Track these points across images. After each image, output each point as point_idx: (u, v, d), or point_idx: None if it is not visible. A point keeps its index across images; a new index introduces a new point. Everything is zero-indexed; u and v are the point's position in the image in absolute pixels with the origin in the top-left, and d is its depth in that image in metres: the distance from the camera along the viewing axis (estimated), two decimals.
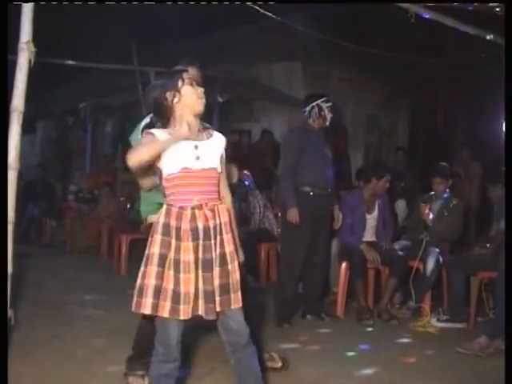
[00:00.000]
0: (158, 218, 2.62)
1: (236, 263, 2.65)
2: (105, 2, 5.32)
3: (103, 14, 8.56)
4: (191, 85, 2.67)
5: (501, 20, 4.31)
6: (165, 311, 2.56)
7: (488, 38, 5.29)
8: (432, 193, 5.84)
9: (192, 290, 2.53)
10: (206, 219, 2.57)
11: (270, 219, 6.95)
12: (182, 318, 2.55)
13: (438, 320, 5.27)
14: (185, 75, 2.69)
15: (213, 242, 2.57)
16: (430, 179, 5.85)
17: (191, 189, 2.60)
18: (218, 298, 2.57)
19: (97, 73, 11.12)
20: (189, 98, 2.65)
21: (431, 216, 5.67)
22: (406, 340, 4.86)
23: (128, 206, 9.78)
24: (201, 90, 2.68)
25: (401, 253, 5.59)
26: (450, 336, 4.94)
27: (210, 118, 10.91)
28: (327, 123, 5.26)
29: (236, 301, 2.62)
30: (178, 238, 2.55)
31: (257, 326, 4.20)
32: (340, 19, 8.23)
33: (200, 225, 2.56)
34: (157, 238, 2.58)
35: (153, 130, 2.65)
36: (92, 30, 10.27)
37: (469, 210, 7.21)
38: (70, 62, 9.14)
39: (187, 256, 2.53)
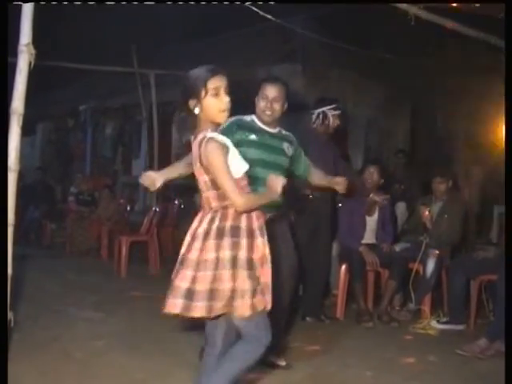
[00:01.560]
0: (227, 222, 2.59)
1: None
2: (105, 1, 5.32)
3: (103, 16, 8.56)
4: (216, 95, 2.58)
5: (501, 21, 4.32)
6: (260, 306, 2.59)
7: (488, 39, 5.29)
8: (432, 195, 5.84)
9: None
10: (258, 218, 2.65)
11: None
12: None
13: (438, 322, 5.27)
14: (210, 84, 2.58)
15: (262, 239, 2.65)
16: (431, 181, 5.85)
17: (248, 188, 2.66)
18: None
19: (97, 75, 11.12)
20: (210, 111, 2.59)
21: (431, 218, 5.67)
22: (405, 342, 4.86)
23: (128, 208, 9.80)
24: (226, 100, 2.59)
25: (400, 254, 5.59)
26: (449, 338, 4.94)
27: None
28: (331, 130, 5.26)
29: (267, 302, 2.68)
30: (246, 236, 2.60)
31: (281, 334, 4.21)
32: (340, 21, 8.22)
33: (254, 224, 2.63)
34: (226, 241, 2.56)
35: (217, 137, 2.58)
36: (92, 32, 10.27)
37: (469, 213, 7.20)
38: (70, 65, 9.16)
39: (250, 253, 2.59)
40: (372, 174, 5.70)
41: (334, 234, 5.66)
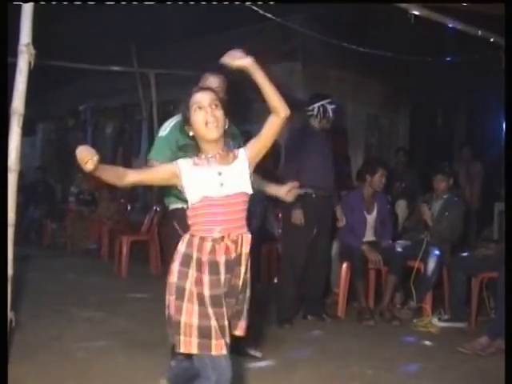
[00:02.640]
0: (179, 247, 2.49)
1: (248, 294, 2.56)
2: (105, 1, 5.32)
3: (103, 16, 8.56)
4: (199, 109, 2.49)
5: (501, 20, 4.31)
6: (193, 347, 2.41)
7: (488, 37, 5.29)
8: (432, 193, 5.84)
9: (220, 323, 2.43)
10: (228, 251, 2.44)
11: (271, 220, 6.95)
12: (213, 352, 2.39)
13: (439, 320, 5.27)
14: (192, 101, 2.51)
15: (229, 275, 2.46)
16: (431, 179, 5.85)
17: (214, 218, 2.45)
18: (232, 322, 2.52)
19: (97, 75, 11.11)
20: (196, 127, 2.50)
21: (432, 216, 5.67)
22: (407, 340, 4.86)
23: (128, 207, 9.80)
24: (212, 112, 2.48)
25: (399, 250, 5.59)
26: (450, 336, 4.95)
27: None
28: (327, 124, 5.26)
29: (240, 329, 2.56)
30: (199, 270, 2.43)
31: (258, 327, 4.23)
32: (339, 20, 8.21)
33: (220, 258, 2.44)
34: (175, 268, 2.47)
35: (178, 161, 2.52)
36: (92, 31, 10.26)
37: (469, 210, 7.20)
38: (70, 64, 9.15)
39: (207, 291, 2.42)
40: (384, 177, 5.71)
41: (334, 233, 5.66)
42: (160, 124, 9.94)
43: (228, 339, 2.44)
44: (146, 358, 4.02)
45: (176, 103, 10.23)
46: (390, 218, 6.00)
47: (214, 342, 2.39)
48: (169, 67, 9.46)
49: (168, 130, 3.72)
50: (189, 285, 2.42)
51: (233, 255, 2.45)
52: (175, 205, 3.68)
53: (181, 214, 3.50)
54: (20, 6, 3.26)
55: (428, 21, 5.04)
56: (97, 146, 13.19)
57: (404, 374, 3.96)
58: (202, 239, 2.44)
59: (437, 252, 5.50)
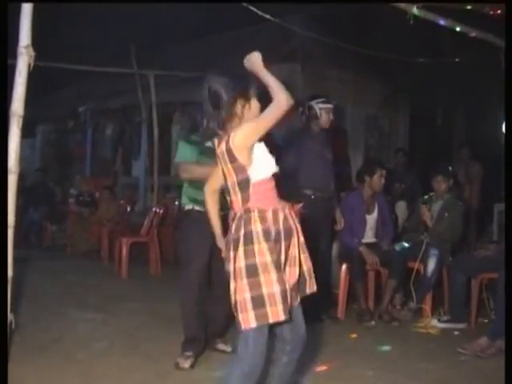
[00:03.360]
0: (253, 226, 2.58)
1: (307, 252, 2.77)
2: (105, 1, 5.33)
3: (102, 18, 8.57)
4: (259, 99, 2.72)
5: (500, 21, 4.32)
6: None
7: (487, 38, 5.30)
8: (432, 193, 5.84)
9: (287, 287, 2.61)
10: (288, 220, 2.66)
11: None
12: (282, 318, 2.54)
13: (439, 321, 5.27)
14: (253, 88, 2.73)
15: (295, 240, 2.68)
16: (431, 180, 5.85)
17: (273, 193, 2.69)
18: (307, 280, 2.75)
19: (96, 76, 11.13)
20: (254, 112, 2.70)
21: (431, 217, 5.68)
22: (406, 341, 4.86)
23: (128, 209, 9.79)
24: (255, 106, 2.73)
25: (399, 253, 5.59)
26: (450, 337, 4.95)
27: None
28: (323, 124, 5.23)
29: (312, 286, 2.80)
30: (269, 240, 2.57)
31: None
32: (339, 20, 8.23)
33: (288, 224, 2.65)
34: (263, 247, 2.55)
35: None
36: (91, 33, 10.28)
37: (469, 211, 7.20)
38: (70, 66, 9.16)
39: (295, 251, 2.66)
40: (382, 178, 5.71)
41: (334, 234, 5.66)
42: (160, 125, 10.01)
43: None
44: (147, 359, 4.02)
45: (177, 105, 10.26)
46: (390, 219, 6.00)
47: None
48: (168, 69, 9.48)
49: (191, 135, 4.02)
50: (259, 259, 2.53)
51: (291, 222, 2.68)
52: (189, 206, 3.94)
53: (194, 215, 3.85)
54: (20, 7, 3.26)
55: (427, 21, 5.05)
56: (96, 148, 13.32)
57: (404, 375, 3.96)
58: (275, 212, 2.62)
59: (436, 253, 5.50)
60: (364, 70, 9.01)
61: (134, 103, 10.36)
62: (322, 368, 4.02)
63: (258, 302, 2.50)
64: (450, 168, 6.15)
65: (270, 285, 2.51)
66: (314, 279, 2.80)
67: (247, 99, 2.69)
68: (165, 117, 10.49)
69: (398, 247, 5.73)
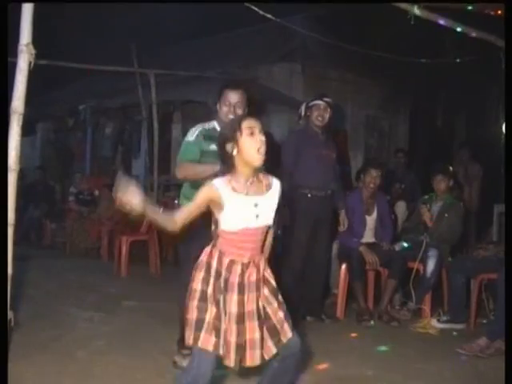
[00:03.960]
0: (205, 258, 2.63)
1: (276, 303, 2.67)
2: (105, 1, 5.33)
3: (103, 16, 8.58)
4: (251, 135, 2.58)
5: (501, 21, 4.32)
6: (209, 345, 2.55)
7: (488, 38, 5.29)
8: (432, 194, 5.84)
9: (236, 340, 2.55)
10: (251, 274, 2.61)
11: None
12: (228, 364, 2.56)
13: (438, 321, 5.27)
14: (245, 124, 2.59)
15: (256, 293, 2.61)
16: (431, 180, 5.85)
17: (245, 245, 2.61)
18: (269, 343, 2.61)
19: (97, 75, 11.14)
20: (247, 152, 2.57)
21: (431, 217, 5.67)
22: (406, 341, 4.86)
23: None
24: (261, 139, 2.58)
25: (400, 253, 5.59)
26: (450, 337, 4.95)
27: (210, 119, 10.93)
28: (314, 121, 5.22)
29: (286, 333, 2.65)
30: (226, 288, 2.57)
31: None
32: (339, 20, 8.24)
33: (246, 280, 2.59)
34: (200, 276, 2.61)
35: (215, 183, 2.58)
36: (92, 31, 10.28)
37: (469, 211, 7.21)
38: (70, 64, 9.16)
39: (234, 308, 2.56)
40: (375, 179, 5.70)
41: (334, 234, 5.66)
42: (160, 124, 10.00)
43: (256, 353, 2.56)
44: (146, 358, 4.02)
45: (176, 104, 10.25)
46: (390, 220, 5.99)
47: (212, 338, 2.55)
48: (168, 67, 9.47)
49: (194, 135, 3.91)
50: (210, 290, 2.58)
51: (256, 277, 2.61)
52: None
53: None
54: (20, 6, 3.25)
55: (428, 22, 5.05)
56: (96, 146, 13.31)
57: (403, 375, 3.96)
58: (232, 262, 2.59)
59: (436, 253, 5.50)
60: (364, 70, 9.01)
61: (134, 102, 10.35)
62: (321, 367, 4.02)
63: (198, 326, 2.56)
64: (450, 168, 6.14)
65: (210, 314, 2.56)
66: (288, 327, 2.66)
67: (235, 140, 2.59)
68: (165, 115, 10.49)
69: (397, 247, 5.74)
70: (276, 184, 2.68)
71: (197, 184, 3.74)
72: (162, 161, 9.67)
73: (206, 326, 2.55)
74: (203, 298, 2.57)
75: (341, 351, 4.44)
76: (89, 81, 12.26)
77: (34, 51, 3.28)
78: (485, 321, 5.27)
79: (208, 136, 3.82)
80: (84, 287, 6.47)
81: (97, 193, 9.93)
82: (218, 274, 2.58)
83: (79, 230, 9.26)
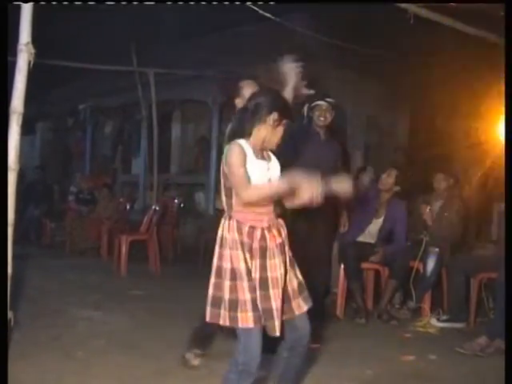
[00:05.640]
0: (227, 233, 2.62)
1: (297, 269, 2.76)
2: (105, 1, 5.32)
3: (102, 15, 8.56)
4: (280, 126, 2.69)
5: (501, 20, 4.31)
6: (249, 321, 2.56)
7: (488, 37, 5.30)
8: (432, 193, 5.84)
9: (271, 305, 2.57)
10: (274, 239, 2.64)
11: None
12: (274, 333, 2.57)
13: (438, 320, 5.27)
14: (274, 115, 2.66)
15: (280, 259, 2.64)
16: (430, 179, 5.84)
17: (262, 209, 2.64)
18: (293, 303, 2.70)
19: (96, 74, 11.12)
20: (267, 137, 2.68)
21: (431, 216, 5.67)
22: (405, 340, 4.86)
23: (128, 206, 9.80)
24: (280, 131, 2.71)
25: (403, 254, 5.57)
26: (449, 336, 4.95)
27: (210, 118, 10.97)
28: (316, 122, 5.22)
29: (307, 301, 2.77)
30: (251, 255, 2.58)
31: None
32: (339, 20, 8.22)
33: (270, 244, 2.62)
34: (225, 252, 2.60)
35: (240, 142, 2.63)
36: (91, 31, 10.27)
37: (469, 210, 7.20)
38: (70, 64, 9.15)
39: (257, 274, 2.57)
40: (391, 177, 5.67)
41: (334, 234, 5.65)
42: (159, 123, 9.99)
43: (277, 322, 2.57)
44: (146, 357, 4.02)
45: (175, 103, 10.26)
46: (402, 231, 5.70)
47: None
48: (168, 66, 9.46)
49: None
50: (243, 265, 2.56)
51: (278, 241, 2.65)
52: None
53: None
54: (20, 5, 3.26)
55: (428, 20, 5.05)
56: (96, 146, 13.30)
57: (403, 375, 3.96)
58: (253, 228, 2.60)
59: (436, 252, 5.50)
60: (364, 69, 9.00)
61: (133, 101, 10.36)
62: (320, 367, 4.02)
63: (232, 305, 2.55)
64: (450, 168, 6.15)
65: (242, 291, 2.55)
66: (306, 295, 2.79)
67: (263, 123, 2.66)
68: (165, 115, 10.49)
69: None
70: (274, 157, 2.78)
71: None
72: (161, 160, 9.68)
73: (240, 304, 2.54)
74: (233, 276, 2.56)
75: (341, 350, 4.44)
76: (88, 80, 12.24)
77: (33, 50, 3.28)
78: (485, 320, 5.28)
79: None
80: (83, 286, 6.47)
81: (96, 192, 9.94)
82: (242, 244, 2.58)
83: (79, 229, 9.27)
